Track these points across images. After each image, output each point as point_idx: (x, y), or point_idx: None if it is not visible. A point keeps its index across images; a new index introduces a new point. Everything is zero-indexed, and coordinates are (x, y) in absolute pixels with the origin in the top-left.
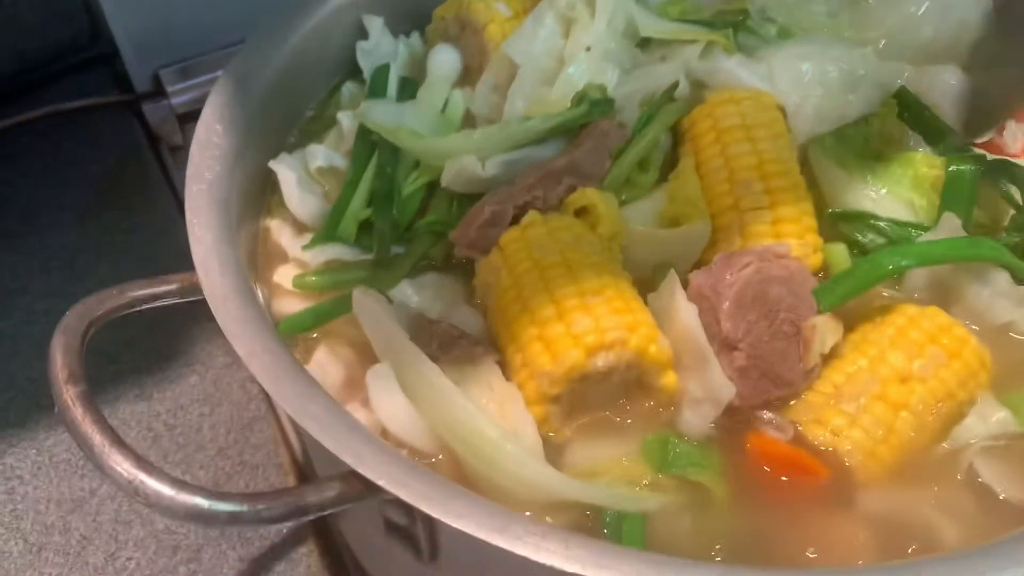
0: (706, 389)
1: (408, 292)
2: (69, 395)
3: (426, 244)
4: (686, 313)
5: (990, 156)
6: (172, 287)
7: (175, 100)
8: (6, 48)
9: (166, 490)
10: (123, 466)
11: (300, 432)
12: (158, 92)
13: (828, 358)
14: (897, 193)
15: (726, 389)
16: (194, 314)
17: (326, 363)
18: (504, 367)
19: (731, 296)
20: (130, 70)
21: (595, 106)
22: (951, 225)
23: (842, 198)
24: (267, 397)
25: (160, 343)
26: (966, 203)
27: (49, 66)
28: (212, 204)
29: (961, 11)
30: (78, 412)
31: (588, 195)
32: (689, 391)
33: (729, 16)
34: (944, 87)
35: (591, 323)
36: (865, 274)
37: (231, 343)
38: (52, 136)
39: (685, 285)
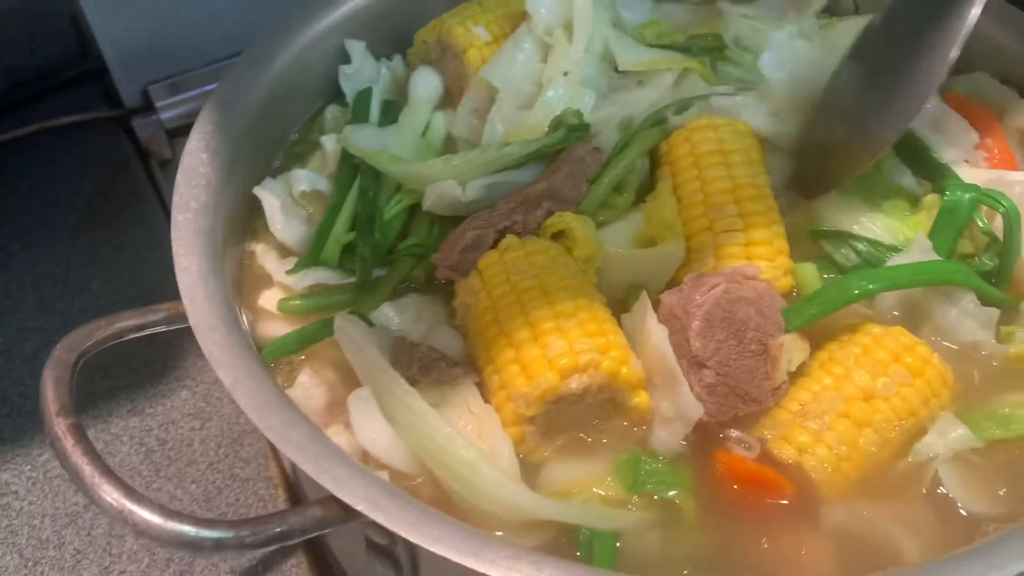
0: (676, 408)
1: (390, 314)
2: (60, 427)
3: (407, 266)
4: (657, 335)
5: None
6: (159, 316)
7: (164, 115)
8: None
9: (155, 519)
10: (112, 496)
11: None
12: (147, 107)
13: (795, 376)
14: (884, 219)
15: (695, 408)
16: (185, 331)
17: (309, 386)
18: (482, 388)
19: (700, 316)
20: (119, 86)
21: (572, 131)
22: (922, 247)
23: (833, 218)
24: None
25: (152, 358)
26: (956, 231)
27: (38, 83)
28: (198, 233)
29: None
30: (68, 443)
31: (565, 219)
32: (660, 410)
33: (704, 41)
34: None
35: (565, 346)
36: (833, 297)
37: (216, 371)
38: (42, 152)
39: (659, 305)
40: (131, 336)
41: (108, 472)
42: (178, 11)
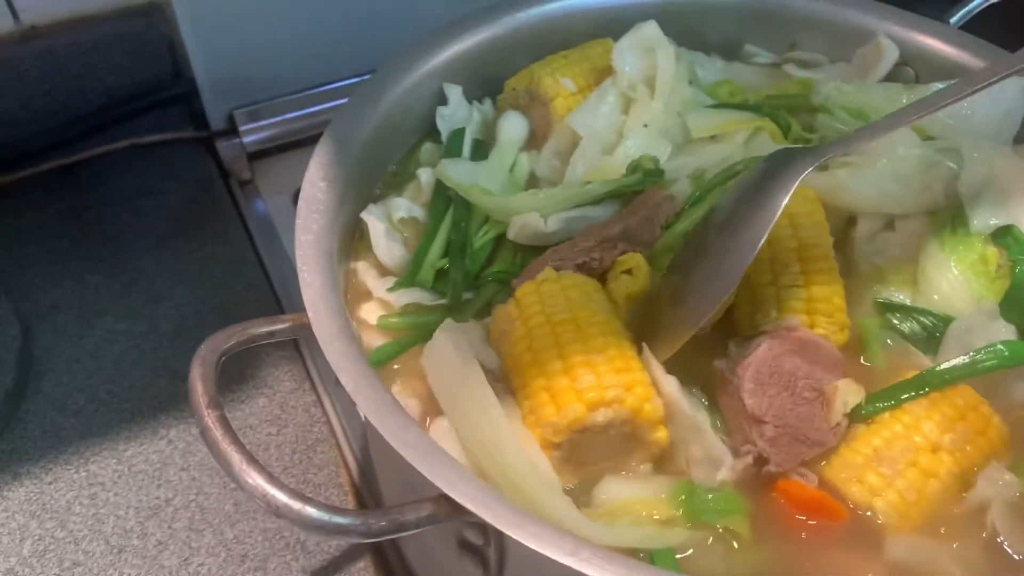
0: (704, 451)
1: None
2: (210, 418)
3: (492, 291)
4: (668, 385)
5: None
6: (286, 326)
7: (246, 139)
8: (100, 83)
9: (294, 504)
10: (257, 481)
11: (375, 456)
12: (231, 131)
13: (864, 420)
14: (963, 274)
15: (721, 451)
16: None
17: (404, 398)
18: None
19: (749, 376)
20: (207, 109)
21: (648, 175)
22: (990, 312)
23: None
24: (328, 422)
25: (232, 365)
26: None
27: (133, 102)
28: (319, 253)
29: (1008, 103)
30: (218, 433)
31: (636, 259)
32: (693, 454)
33: (782, 100)
34: None
35: (594, 380)
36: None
37: (339, 377)
38: (132, 167)
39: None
40: (262, 341)
41: (253, 460)
42: (266, 45)
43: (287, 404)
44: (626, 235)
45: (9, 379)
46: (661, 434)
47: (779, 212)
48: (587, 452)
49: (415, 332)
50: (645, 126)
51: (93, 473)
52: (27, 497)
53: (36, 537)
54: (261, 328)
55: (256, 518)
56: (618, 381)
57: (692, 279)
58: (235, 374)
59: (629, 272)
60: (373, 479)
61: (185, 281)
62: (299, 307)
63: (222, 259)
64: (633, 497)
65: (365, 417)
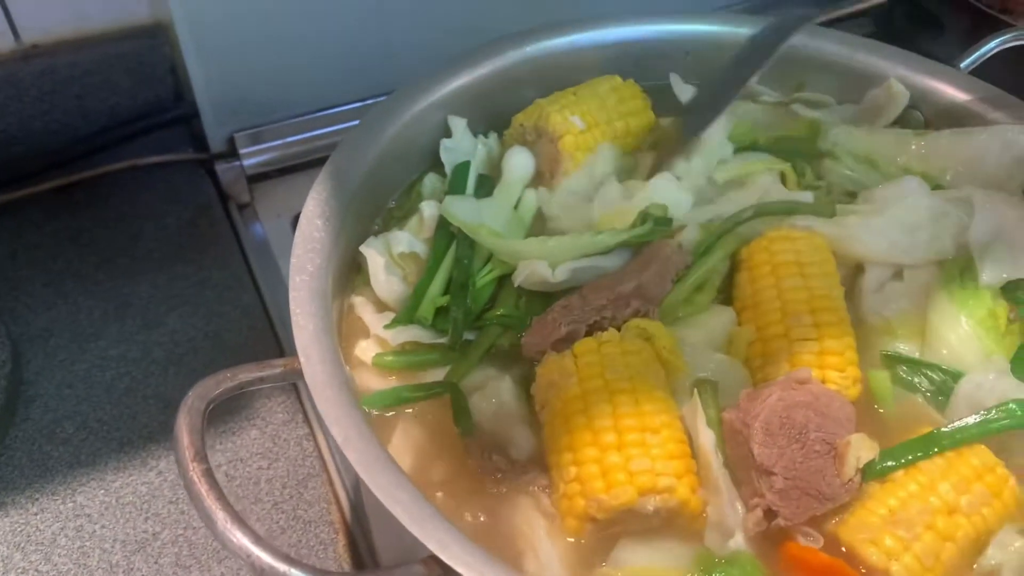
0: (720, 516)
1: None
2: (195, 472)
3: (495, 335)
4: (705, 437)
5: None
6: (276, 371)
7: (246, 162)
8: (100, 103)
9: (280, 566)
10: (242, 541)
11: (366, 502)
12: (231, 153)
13: (878, 477)
14: (974, 328)
15: (734, 518)
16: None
17: (401, 449)
18: (552, 469)
19: (758, 427)
20: (207, 132)
21: (658, 225)
22: (998, 369)
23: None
24: (321, 457)
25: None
26: None
27: (133, 123)
28: (313, 295)
29: (1020, 149)
30: (203, 488)
31: (652, 328)
32: (708, 514)
33: (790, 143)
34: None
35: (648, 464)
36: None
37: (328, 427)
38: (130, 189)
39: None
40: (253, 387)
41: (238, 518)
42: (268, 69)
43: (279, 437)
44: (639, 291)
45: None
46: (695, 508)
47: None
48: (617, 522)
49: (414, 387)
50: (678, 178)
51: (80, 504)
52: (12, 528)
53: (20, 570)
54: (251, 374)
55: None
56: (671, 469)
57: None
58: (227, 405)
59: (648, 338)
60: (364, 518)
61: (180, 307)
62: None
63: (218, 284)
64: (654, 566)
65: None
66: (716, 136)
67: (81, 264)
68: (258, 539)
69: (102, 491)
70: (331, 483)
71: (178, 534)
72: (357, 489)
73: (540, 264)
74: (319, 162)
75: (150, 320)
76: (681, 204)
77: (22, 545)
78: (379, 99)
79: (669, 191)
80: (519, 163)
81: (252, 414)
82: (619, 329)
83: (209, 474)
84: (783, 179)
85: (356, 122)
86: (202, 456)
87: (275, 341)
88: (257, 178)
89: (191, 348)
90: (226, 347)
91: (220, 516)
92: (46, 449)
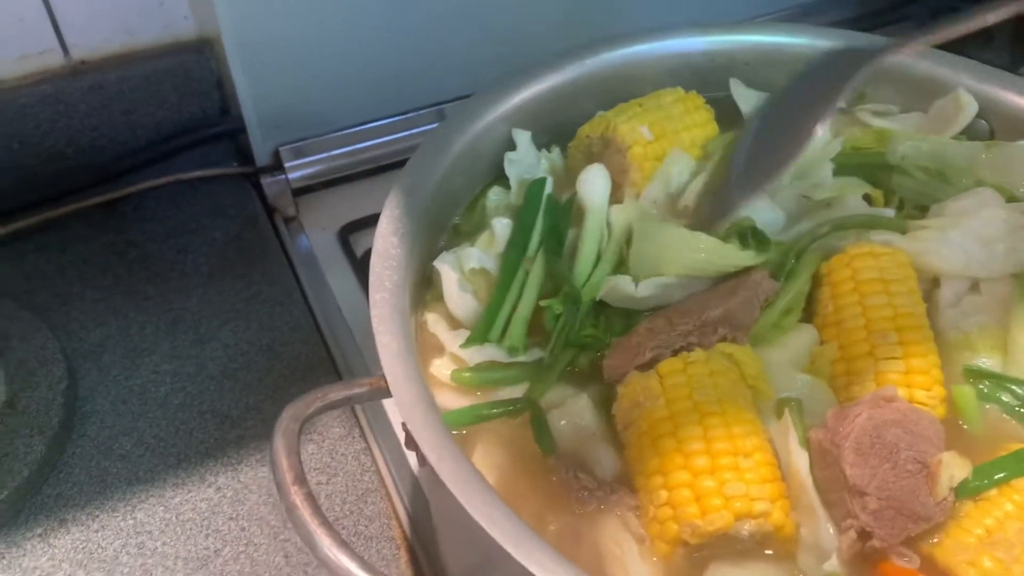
0: (815, 538)
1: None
2: (297, 497)
3: (571, 355)
4: (798, 458)
5: None
6: (363, 390)
7: (291, 175)
8: (148, 118)
9: None
10: (346, 566)
11: (436, 516)
12: (276, 167)
13: (971, 496)
14: None
15: (833, 545)
16: (313, 384)
17: (483, 468)
18: (641, 491)
19: (849, 447)
20: (253, 146)
21: (760, 247)
22: None
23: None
24: (378, 471)
25: (280, 410)
26: None
27: (180, 138)
28: (394, 312)
29: None
30: (306, 513)
31: (739, 354)
32: (801, 535)
33: (861, 157)
34: None
35: (743, 488)
36: None
37: (420, 448)
38: (177, 203)
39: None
40: (340, 407)
41: (344, 544)
42: (313, 84)
43: (336, 451)
44: (726, 318)
45: (56, 421)
46: (789, 532)
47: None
48: (708, 546)
49: (494, 404)
50: (771, 198)
51: (140, 521)
52: (74, 545)
53: None
54: (340, 393)
55: (307, 572)
56: (766, 493)
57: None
58: None
59: (735, 364)
60: (425, 532)
61: (232, 321)
62: (345, 348)
63: (268, 298)
64: None
65: (453, 493)
66: (813, 154)
67: (131, 279)
68: (364, 563)
69: (161, 507)
70: (390, 498)
71: (239, 551)
72: (416, 504)
73: (623, 280)
74: (363, 175)
75: (202, 334)
76: (775, 222)
77: (84, 563)
78: (422, 111)
79: (762, 208)
80: (598, 185)
81: (309, 428)
82: None
83: (310, 497)
84: (868, 200)
85: (401, 134)
86: (302, 479)
87: (327, 354)
88: (302, 191)
89: (245, 363)
90: (279, 361)
91: (326, 541)
92: (104, 465)
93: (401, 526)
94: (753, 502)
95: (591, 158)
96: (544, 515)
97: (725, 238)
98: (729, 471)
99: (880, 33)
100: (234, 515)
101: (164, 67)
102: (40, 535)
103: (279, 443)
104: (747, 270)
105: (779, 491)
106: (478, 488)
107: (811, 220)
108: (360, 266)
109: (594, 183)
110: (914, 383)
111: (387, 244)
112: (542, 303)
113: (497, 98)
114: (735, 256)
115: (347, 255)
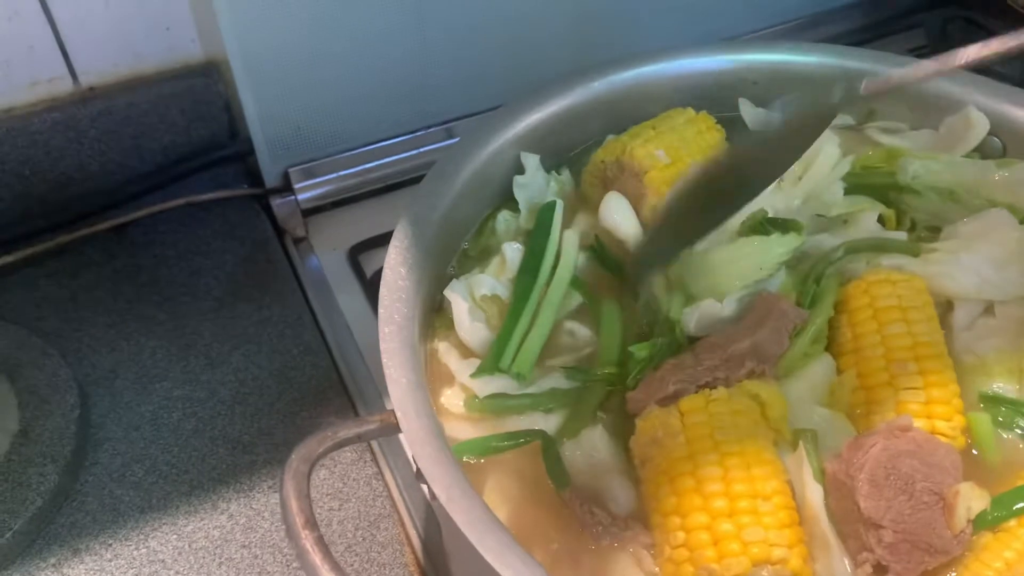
0: (828, 571)
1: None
2: (308, 541)
3: (602, 391)
4: (812, 491)
5: None
6: (373, 427)
7: (301, 196)
8: (156, 142)
9: None
10: None
11: (447, 543)
12: (286, 188)
13: (994, 530)
14: None
15: (845, 575)
16: (324, 407)
17: (494, 501)
18: (657, 530)
19: (864, 478)
20: (262, 167)
21: (788, 228)
22: None
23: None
24: (391, 496)
25: (292, 436)
26: None
27: (188, 161)
28: (404, 346)
29: None
30: (317, 558)
31: (764, 394)
32: (816, 571)
33: (870, 176)
34: None
35: (761, 533)
36: None
37: (431, 485)
38: (187, 226)
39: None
40: (351, 444)
41: None
42: (322, 105)
43: (348, 476)
44: (754, 351)
45: (68, 450)
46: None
47: None
48: None
49: (505, 436)
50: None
51: (153, 549)
52: (88, 575)
53: None
54: (350, 431)
55: None
56: (784, 539)
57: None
58: (297, 444)
59: (761, 404)
60: (438, 559)
61: (243, 345)
62: (356, 370)
63: (279, 320)
64: None
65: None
66: (820, 171)
67: (141, 303)
68: None
69: (175, 536)
70: (402, 524)
71: None
72: (428, 530)
73: (708, 302)
74: (372, 194)
75: (214, 359)
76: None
77: None
78: (430, 129)
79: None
80: (623, 216)
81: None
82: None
83: (321, 542)
84: (882, 221)
85: (410, 153)
86: (312, 523)
87: (338, 377)
88: (311, 211)
89: (256, 388)
90: (291, 386)
91: None
92: (117, 493)
93: (414, 552)
94: (772, 548)
95: (606, 183)
96: (557, 551)
97: (747, 235)
98: (748, 515)
99: (889, 41)
100: (247, 543)
101: (172, 91)
102: (54, 565)
103: (288, 486)
104: (772, 299)
105: (797, 537)
106: (489, 527)
107: (830, 235)
108: (370, 286)
109: (616, 211)
110: (935, 414)
111: (395, 275)
112: (631, 348)
113: (505, 122)
114: (776, 244)
115: (357, 275)
